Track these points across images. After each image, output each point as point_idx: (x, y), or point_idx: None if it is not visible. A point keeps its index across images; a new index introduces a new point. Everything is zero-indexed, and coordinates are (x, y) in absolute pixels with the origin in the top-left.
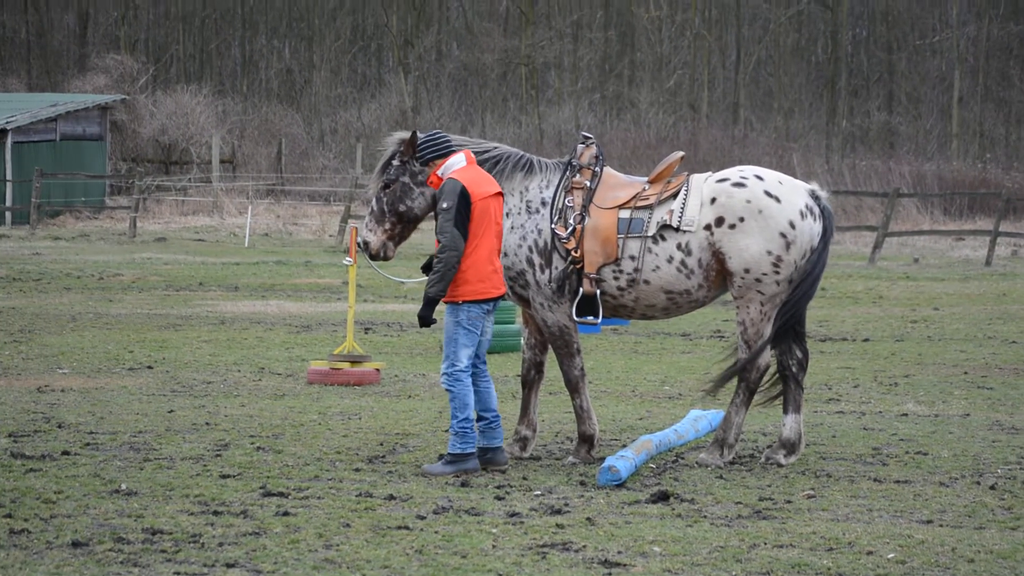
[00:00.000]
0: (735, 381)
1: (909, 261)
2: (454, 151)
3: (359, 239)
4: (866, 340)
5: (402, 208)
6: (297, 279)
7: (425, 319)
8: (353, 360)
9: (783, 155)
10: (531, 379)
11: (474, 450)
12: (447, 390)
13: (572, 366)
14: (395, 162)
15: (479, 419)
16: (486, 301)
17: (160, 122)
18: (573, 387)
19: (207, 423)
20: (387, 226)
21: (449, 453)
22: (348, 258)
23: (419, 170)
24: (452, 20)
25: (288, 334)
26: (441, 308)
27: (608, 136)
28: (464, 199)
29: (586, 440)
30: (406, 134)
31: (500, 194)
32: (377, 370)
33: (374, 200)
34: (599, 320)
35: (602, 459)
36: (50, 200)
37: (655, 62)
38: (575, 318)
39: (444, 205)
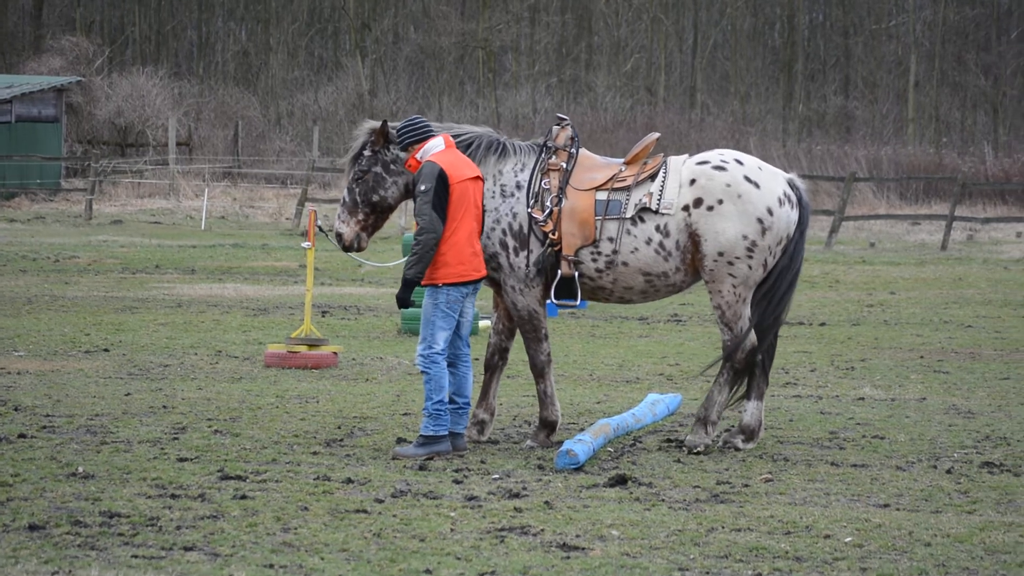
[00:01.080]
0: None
1: (865, 245)
2: (433, 135)
3: (332, 231)
4: (823, 324)
5: (375, 198)
6: (254, 262)
7: (403, 301)
8: (310, 343)
9: (740, 139)
10: (494, 364)
11: (447, 432)
12: (423, 372)
13: (539, 351)
14: (366, 152)
15: (450, 402)
16: (465, 284)
17: (116, 104)
18: (539, 372)
19: (164, 406)
20: (360, 217)
21: (421, 435)
22: (306, 241)
23: (392, 158)
24: (409, 3)
25: (245, 317)
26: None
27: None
28: (442, 181)
29: (547, 425)
30: (377, 124)
31: (480, 178)
32: (335, 353)
33: (346, 191)
34: (578, 302)
35: (560, 443)
36: (5, 182)
37: (612, 46)
38: (555, 301)
39: (422, 187)
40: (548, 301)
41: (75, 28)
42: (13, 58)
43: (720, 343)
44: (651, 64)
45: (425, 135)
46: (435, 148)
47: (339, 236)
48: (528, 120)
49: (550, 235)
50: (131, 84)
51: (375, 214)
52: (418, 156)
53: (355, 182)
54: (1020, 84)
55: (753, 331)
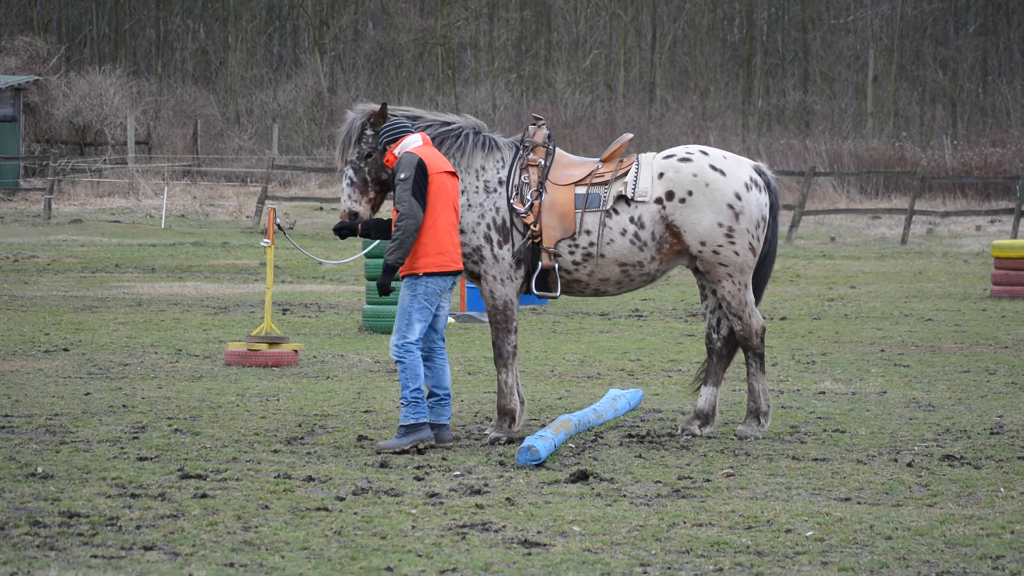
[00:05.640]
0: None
1: (826, 240)
2: (409, 132)
3: (347, 210)
4: (783, 319)
5: (384, 176)
6: (214, 260)
7: (383, 287)
8: (271, 341)
9: (700, 134)
10: None
11: (426, 419)
12: (397, 361)
13: (507, 342)
14: (368, 132)
15: (430, 395)
16: (445, 275)
17: (74, 103)
18: (503, 362)
19: (124, 405)
20: (371, 195)
21: (402, 425)
22: (266, 239)
23: (380, 148)
24: (368, 0)
25: (205, 315)
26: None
27: (525, 116)
28: (421, 170)
29: (506, 414)
30: (375, 106)
31: (454, 174)
32: (295, 351)
33: (352, 171)
34: (558, 294)
35: (521, 439)
36: None
37: (571, 42)
38: (536, 292)
39: (402, 176)
40: (530, 293)
41: (32, 27)
42: None
43: (675, 337)
44: (610, 60)
45: (402, 133)
46: (412, 144)
47: (355, 215)
48: (488, 117)
49: (531, 227)
50: (89, 83)
51: (382, 192)
52: (396, 151)
53: (363, 160)
54: (978, 78)
55: (758, 313)
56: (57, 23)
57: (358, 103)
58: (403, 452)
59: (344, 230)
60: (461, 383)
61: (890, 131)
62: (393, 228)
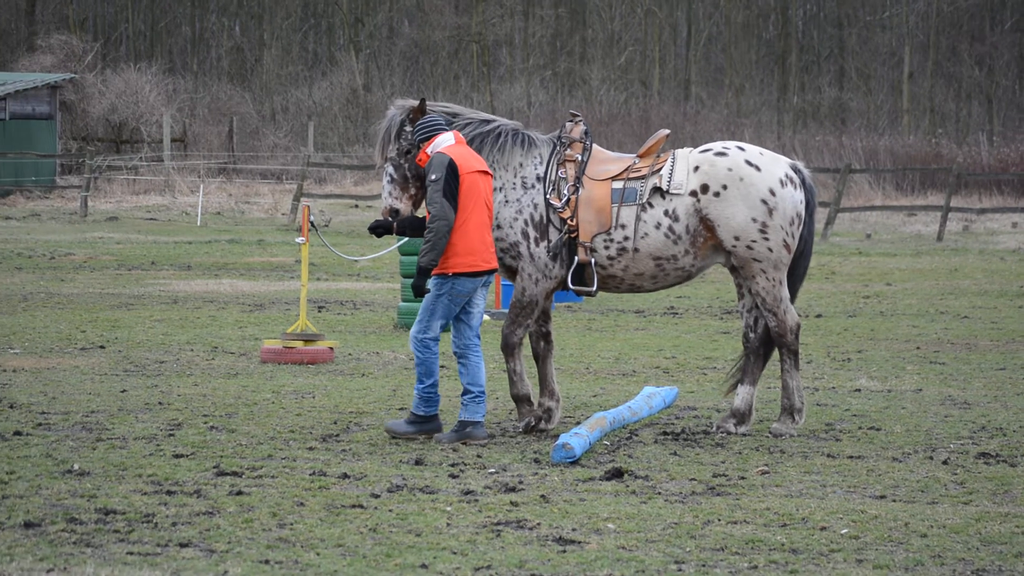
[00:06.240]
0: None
1: (861, 237)
2: (443, 130)
3: (388, 207)
4: (819, 316)
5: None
6: (250, 258)
7: (418, 288)
8: (306, 339)
9: (735, 131)
10: (541, 351)
11: (437, 413)
12: (415, 354)
13: (516, 333)
14: (408, 128)
15: (465, 392)
16: (475, 275)
17: (110, 101)
18: (510, 351)
19: (160, 403)
20: (412, 191)
21: (413, 413)
22: (301, 237)
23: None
24: None
25: (241, 313)
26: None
27: (560, 113)
28: (452, 171)
29: (521, 400)
30: (413, 102)
31: (488, 173)
32: (331, 348)
33: (392, 168)
34: (595, 289)
35: (556, 436)
36: (0, 180)
37: (606, 39)
38: (572, 287)
39: (433, 177)
40: (567, 289)
41: (68, 25)
42: (6, 56)
43: (711, 335)
44: (645, 57)
45: (435, 131)
46: (445, 143)
47: (395, 212)
48: (522, 114)
49: (568, 222)
50: (124, 81)
51: (423, 188)
52: (428, 151)
53: (402, 157)
54: (1014, 74)
55: (793, 310)
56: (93, 21)
57: (398, 99)
58: (410, 438)
59: (379, 228)
60: (496, 381)
61: (926, 128)
62: (426, 229)
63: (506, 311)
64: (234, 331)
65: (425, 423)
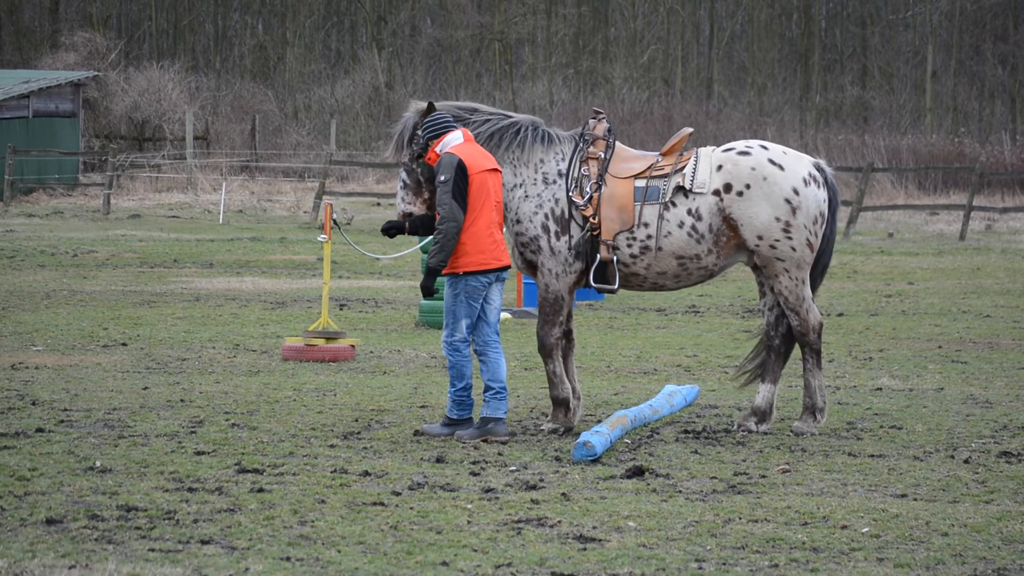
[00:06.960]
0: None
1: (883, 235)
2: (452, 129)
3: (402, 211)
4: (840, 315)
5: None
6: (272, 255)
7: (427, 289)
8: (328, 336)
9: (757, 130)
10: (563, 349)
11: (470, 416)
12: (447, 358)
13: (551, 333)
14: (419, 132)
15: (487, 388)
16: (486, 272)
17: (132, 99)
18: (547, 353)
19: (182, 400)
20: (425, 195)
21: (447, 416)
22: (323, 235)
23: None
24: None
25: (263, 311)
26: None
27: (582, 112)
28: (461, 171)
29: (560, 404)
30: (423, 104)
31: (498, 170)
32: (352, 346)
33: (405, 173)
34: (617, 287)
35: (577, 434)
36: (23, 177)
37: (628, 37)
38: (594, 285)
39: (442, 178)
40: (588, 287)
41: (91, 23)
42: (30, 53)
43: (732, 334)
44: (668, 55)
45: (444, 129)
46: (454, 141)
47: (409, 216)
48: (544, 112)
49: (590, 219)
50: (147, 79)
51: (435, 191)
52: (437, 149)
53: (414, 162)
54: None
55: (815, 309)
56: (116, 19)
57: (413, 102)
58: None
59: (392, 229)
60: (517, 379)
61: (948, 127)
62: (435, 231)
63: (527, 309)
64: (256, 329)
65: (456, 426)
